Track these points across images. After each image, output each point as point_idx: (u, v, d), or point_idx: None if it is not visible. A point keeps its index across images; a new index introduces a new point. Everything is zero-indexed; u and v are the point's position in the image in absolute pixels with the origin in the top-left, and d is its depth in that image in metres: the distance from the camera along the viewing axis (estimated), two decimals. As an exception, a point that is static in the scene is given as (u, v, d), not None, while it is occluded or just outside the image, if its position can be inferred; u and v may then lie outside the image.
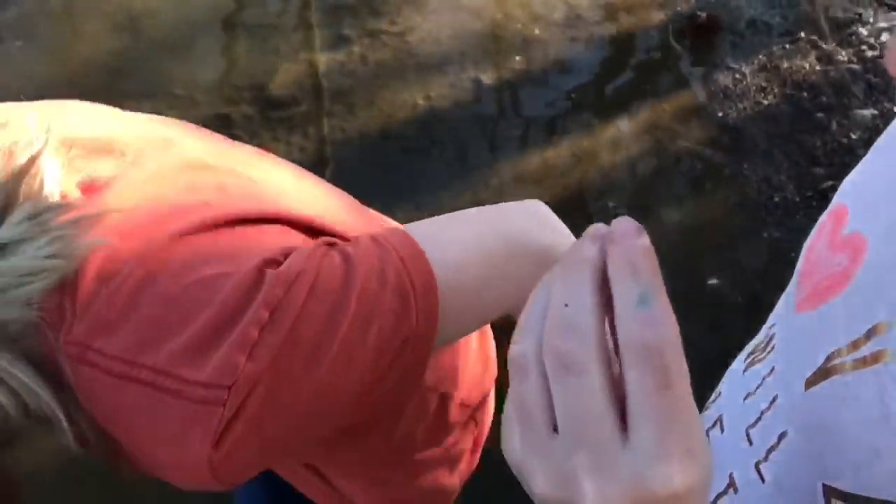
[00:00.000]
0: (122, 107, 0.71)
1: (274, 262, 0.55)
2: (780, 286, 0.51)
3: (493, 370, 1.00)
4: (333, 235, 0.65)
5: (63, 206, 0.55)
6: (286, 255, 0.57)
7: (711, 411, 0.53)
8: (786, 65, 2.56)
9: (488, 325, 1.00)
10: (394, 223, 0.89)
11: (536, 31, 2.58)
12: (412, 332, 0.58)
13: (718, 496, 0.49)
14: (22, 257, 0.52)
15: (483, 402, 0.99)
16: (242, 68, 2.46)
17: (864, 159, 0.46)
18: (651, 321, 0.33)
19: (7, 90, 1.41)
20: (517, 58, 2.51)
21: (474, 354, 0.94)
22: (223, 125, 2.29)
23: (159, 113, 0.74)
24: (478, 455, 1.04)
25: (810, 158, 2.36)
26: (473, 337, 0.94)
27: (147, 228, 0.56)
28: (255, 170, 0.68)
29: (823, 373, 0.41)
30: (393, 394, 0.62)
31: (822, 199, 2.16)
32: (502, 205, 0.72)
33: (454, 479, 1.01)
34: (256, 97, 2.38)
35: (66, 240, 0.53)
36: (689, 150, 2.46)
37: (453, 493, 1.03)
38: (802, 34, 2.63)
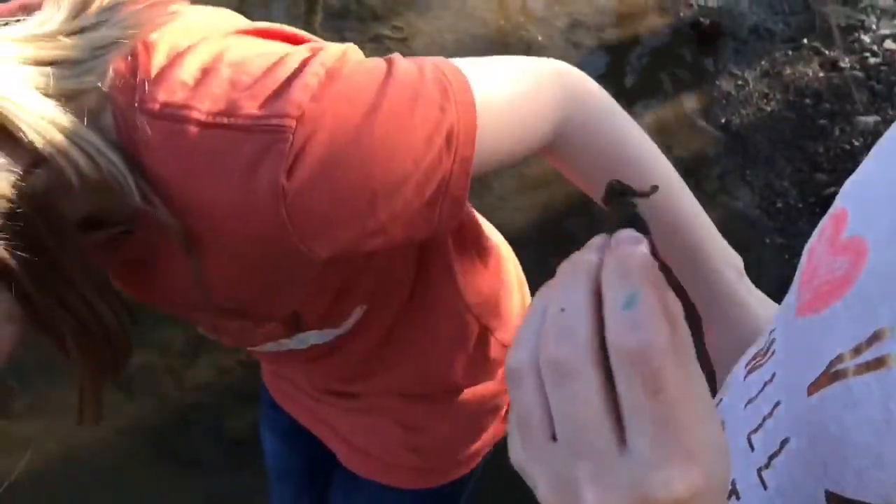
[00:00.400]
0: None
1: (320, 48, 0.64)
2: (783, 292, 0.51)
3: None
4: None
5: (135, 1, 0.64)
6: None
7: (713, 417, 0.53)
8: (788, 71, 2.56)
9: (525, 282, 1.02)
10: None
11: (539, 38, 2.59)
12: (454, 125, 0.63)
13: (720, 503, 0.48)
14: (96, 34, 0.61)
15: None
16: (245, 73, 2.46)
17: (865, 162, 0.46)
18: (636, 324, 0.32)
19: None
20: (520, 63, 2.52)
21: (517, 301, 0.98)
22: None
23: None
24: (504, 427, 1.04)
25: (813, 165, 2.36)
26: (515, 286, 0.98)
27: (207, 25, 0.66)
28: None
29: (826, 378, 0.41)
30: (439, 213, 0.66)
31: (825, 205, 2.15)
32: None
33: (481, 439, 1.02)
34: (259, 101, 2.38)
35: (136, 18, 0.63)
36: (692, 156, 2.46)
37: (474, 458, 1.03)
38: (805, 41, 2.63)
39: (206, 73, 0.61)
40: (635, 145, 0.78)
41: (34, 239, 0.58)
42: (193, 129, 0.59)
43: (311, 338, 0.82)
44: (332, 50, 0.64)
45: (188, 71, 0.60)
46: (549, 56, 0.75)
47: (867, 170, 0.45)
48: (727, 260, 0.81)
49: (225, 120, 0.59)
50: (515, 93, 0.70)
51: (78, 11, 0.62)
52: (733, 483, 0.48)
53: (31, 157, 0.58)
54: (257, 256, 0.64)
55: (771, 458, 0.45)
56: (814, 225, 0.49)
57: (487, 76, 0.68)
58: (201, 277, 0.66)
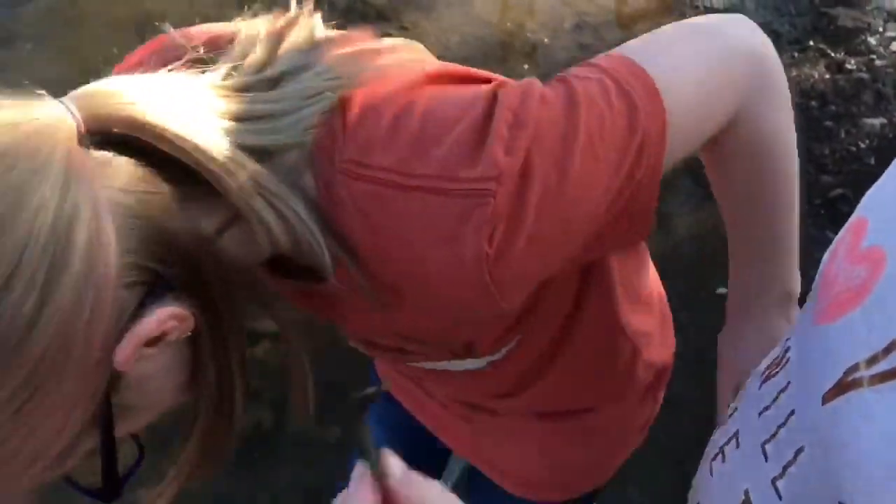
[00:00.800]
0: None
1: (501, 84, 0.62)
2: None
3: (672, 343, 1.01)
4: None
5: (335, 42, 0.62)
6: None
7: (728, 426, 0.53)
8: (794, 73, 2.56)
9: (665, 297, 1.01)
10: None
11: (545, 39, 2.58)
12: (644, 134, 0.60)
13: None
14: (300, 82, 0.59)
15: (661, 375, 0.99)
16: (250, 72, 2.46)
17: (887, 172, 0.45)
18: None
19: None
20: (525, 66, 2.51)
21: (657, 318, 0.97)
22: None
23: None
24: (641, 437, 1.03)
25: (819, 167, 2.35)
26: (657, 304, 0.97)
27: (398, 71, 0.64)
28: None
29: (841, 388, 0.40)
30: (627, 225, 0.64)
31: (831, 207, 2.15)
32: (710, 17, 0.73)
33: (618, 455, 1.01)
34: (264, 101, 2.38)
35: (341, 67, 0.61)
36: (697, 158, 2.45)
37: (609, 471, 1.02)
38: (811, 42, 2.63)
39: (399, 128, 0.58)
40: (786, 160, 0.74)
41: (210, 298, 0.55)
42: (391, 192, 0.57)
43: (467, 363, 0.81)
44: (514, 88, 0.61)
45: (383, 127, 0.58)
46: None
47: (887, 179, 0.45)
48: (780, 290, 0.80)
49: (425, 182, 0.56)
50: (704, 88, 0.65)
51: (273, 51, 0.60)
52: (747, 493, 0.47)
53: (225, 217, 0.55)
54: (452, 310, 0.63)
55: (785, 467, 0.45)
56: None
57: (674, 68, 0.63)
58: (391, 323, 0.64)
